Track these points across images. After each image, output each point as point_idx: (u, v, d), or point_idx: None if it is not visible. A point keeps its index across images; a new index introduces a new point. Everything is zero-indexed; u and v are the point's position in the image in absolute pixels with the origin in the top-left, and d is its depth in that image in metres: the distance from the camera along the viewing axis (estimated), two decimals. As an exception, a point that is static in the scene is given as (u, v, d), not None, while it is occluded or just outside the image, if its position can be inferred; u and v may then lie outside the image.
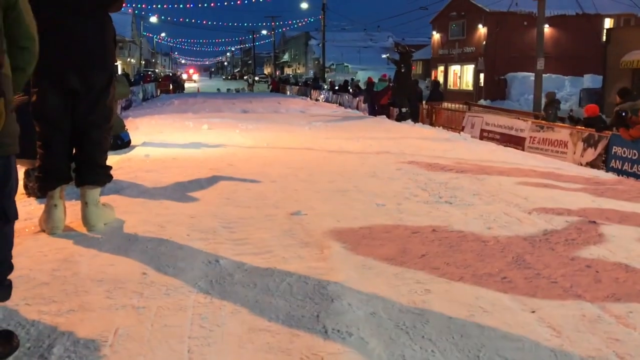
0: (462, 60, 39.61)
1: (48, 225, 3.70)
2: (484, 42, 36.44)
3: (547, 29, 29.00)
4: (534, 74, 22.45)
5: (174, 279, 2.90)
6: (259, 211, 4.34)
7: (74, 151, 3.84)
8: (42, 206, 3.84)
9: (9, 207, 2.23)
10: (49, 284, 2.81)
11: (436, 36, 43.25)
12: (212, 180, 5.49)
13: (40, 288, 2.74)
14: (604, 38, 28.43)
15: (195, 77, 76.80)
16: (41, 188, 3.81)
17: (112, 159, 5.67)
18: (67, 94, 3.71)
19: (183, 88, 42.20)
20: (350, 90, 25.44)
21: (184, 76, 52.68)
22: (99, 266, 3.07)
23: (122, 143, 8.02)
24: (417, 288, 2.82)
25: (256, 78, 67.61)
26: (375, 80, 19.97)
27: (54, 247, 3.40)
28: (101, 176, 3.88)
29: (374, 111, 18.07)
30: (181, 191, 5.01)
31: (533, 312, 2.56)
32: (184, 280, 2.88)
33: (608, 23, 35.39)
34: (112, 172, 4.08)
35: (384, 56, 28.02)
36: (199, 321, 2.42)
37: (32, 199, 4.68)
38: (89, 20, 3.74)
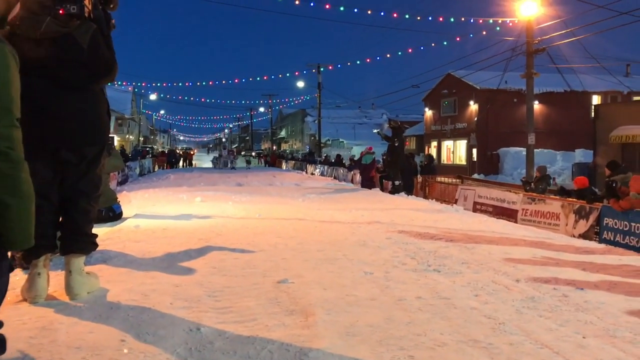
0: (455, 135, 40.36)
1: (30, 294, 3.64)
2: (476, 119, 37.26)
3: (536, 105, 29.79)
4: (525, 148, 22.88)
5: (152, 346, 2.85)
6: (245, 280, 4.30)
7: (60, 219, 3.85)
8: (27, 276, 3.79)
9: None
10: (24, 351, 2.75)
11: (428, 113, 44.26)
12: (201, 250, 5.47)
13: (14, 356, 2.68)
14: (592, 114, 29.15)
15: None
16: (26, 257, 3.77)
17: (102, 230, 5.69)
18: (58, 164, 3.76)
19: (178, 162, 41.90)
20: (346, 164, 25.82)
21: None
22: (78, 334, 3.01)
23: (114, 215, 8.02)
24: (400, 354, 2.77)
25: (252, 154, 68.25)
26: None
27: (34, 315, 3.34)
28: (86, 244, 3.86)
29: (365, 184, 18.27)
30: (168, 261, 4.98)
31: (518, 378, 2.51)
32: (163, 348, 2.83)
33: (595, 100, 36.40)
34: (101, 242, 4.07)
35: (374, 131, 28.62)
36: (174, 388, 2.36)
37: (18, 270, 4.62)
38: (82, 94, 3.80)
